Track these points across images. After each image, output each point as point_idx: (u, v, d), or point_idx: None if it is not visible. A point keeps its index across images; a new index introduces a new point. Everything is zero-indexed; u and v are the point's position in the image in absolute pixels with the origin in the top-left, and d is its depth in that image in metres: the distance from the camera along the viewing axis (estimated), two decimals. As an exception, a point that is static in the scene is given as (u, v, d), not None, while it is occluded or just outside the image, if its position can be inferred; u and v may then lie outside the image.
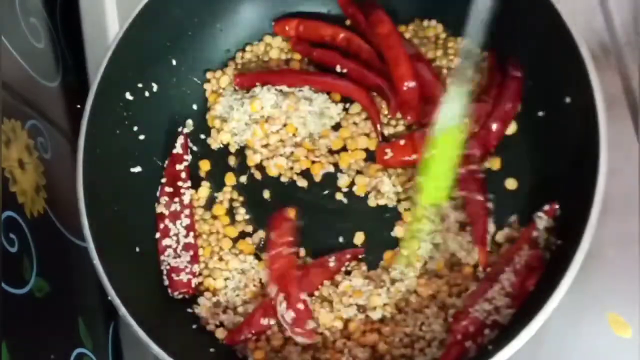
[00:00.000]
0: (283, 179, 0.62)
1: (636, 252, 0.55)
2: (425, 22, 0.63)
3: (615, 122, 0.49)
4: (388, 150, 0.58)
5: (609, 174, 0.46)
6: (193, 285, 0.58)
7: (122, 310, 0.51)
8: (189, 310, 0.58)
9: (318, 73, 0.64)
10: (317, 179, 0.61)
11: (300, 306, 0.54)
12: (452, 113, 0.52)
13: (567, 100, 0.52)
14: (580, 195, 0.47)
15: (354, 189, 0.60)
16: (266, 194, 0.62)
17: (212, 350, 0.55)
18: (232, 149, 0.64)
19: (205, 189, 0.63)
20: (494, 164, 0.57)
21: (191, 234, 0.60)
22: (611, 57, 0.60)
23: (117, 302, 0.51)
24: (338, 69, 0.62)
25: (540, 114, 0.55)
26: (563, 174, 0.52)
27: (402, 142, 0.58)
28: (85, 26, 0.74)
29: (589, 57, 0.49)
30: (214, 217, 0.62)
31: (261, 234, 0.60)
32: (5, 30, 0.57)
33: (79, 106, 0.59)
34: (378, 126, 0.60)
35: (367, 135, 0.61)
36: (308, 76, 0.63)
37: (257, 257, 0.60)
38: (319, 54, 0.64)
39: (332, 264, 0.56)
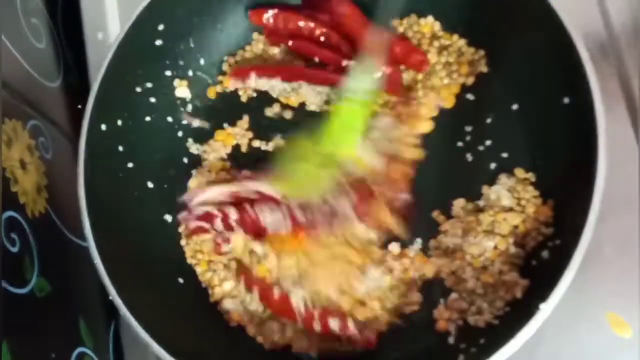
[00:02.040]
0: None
1: (636, 252, 0.55)
2: (422, 20, 0.63)
3: (615, 122, 0.49)
4: None
5: (608, 174, 0.46)
6: None
7: (123, 310, 0.51)
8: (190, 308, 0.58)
9: (314, 68, 0.63)
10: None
11: None
12: (360, 85, 0.54)
13: (567, 100, 0.52)
14: (579, 195, 0.47)
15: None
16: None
17: (212, 349, 0.55)
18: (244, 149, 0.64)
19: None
20: None
21: None
22: (610, 57, 0.60)
23: (118, 301, 0.51)
24: (316, 59, 0.63)
25: (540, 114, 0.55)
26: (563, 174, 0.52)
27: None
28: (87, 26, 0.74)
29: (588, 57, 0.49)
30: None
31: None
32: (6, 30, 0.58)
33: (80, 106, 0.59)
34: None
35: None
36: (304, 70, 0.63)
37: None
38: (295, 44, 0.64)
39: None
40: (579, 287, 0.45)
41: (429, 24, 0.63)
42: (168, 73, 0.64)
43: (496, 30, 0.58)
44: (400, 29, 0.63)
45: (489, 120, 0.59)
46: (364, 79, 0.56)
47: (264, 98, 0.65)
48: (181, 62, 0.65)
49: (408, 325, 0.55)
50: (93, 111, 0.57)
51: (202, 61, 0.66)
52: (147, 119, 0.62)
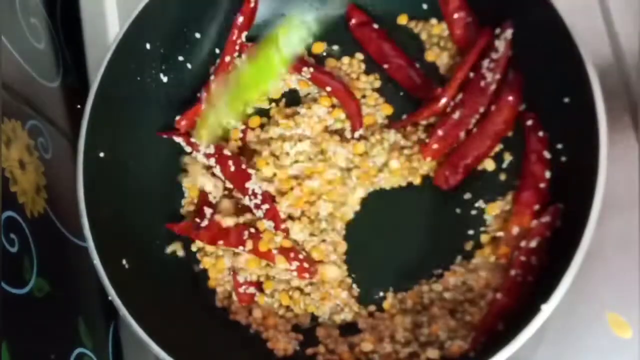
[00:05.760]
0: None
1: (636, 252, 0.55)
2: (433, 21, 0.63)
3: (615, 122, 0.49)
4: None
5: (608, 173, 0.46)
6: None
7: (123, 311, 0.51)
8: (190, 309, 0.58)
9: (318, 68, 0.63)
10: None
11: None
12: (291, 43, 0.54)
13: (567, 100, 0.52)
14: (580, 195, 0.47)
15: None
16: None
17: (212, 350, 0.55)
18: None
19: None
20: (488, 165, 0.58)
21: None
22: (611, 57, 0.60)
23: (118, 302, 0.51)
24: None
25: (540, 113, 0.55)
26: (563, 174, 0.52)
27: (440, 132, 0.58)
28: (86, 26, 0.74)
29: (589, 57, 0.49)
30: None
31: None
32: (5, 30, 0.57)
33: (79, 106, 0.59)
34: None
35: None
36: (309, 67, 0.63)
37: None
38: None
39: None
40: (579, 288, 0.45)
41: (442, 27, 0.62)
42: (166, 73, 0.64)
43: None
44: (416, 30, 0.64)
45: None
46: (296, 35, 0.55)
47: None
48: (181, 59, 0.64)
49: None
50: (92, 111, 0.57)
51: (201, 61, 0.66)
52: (146, 118, 0.62)
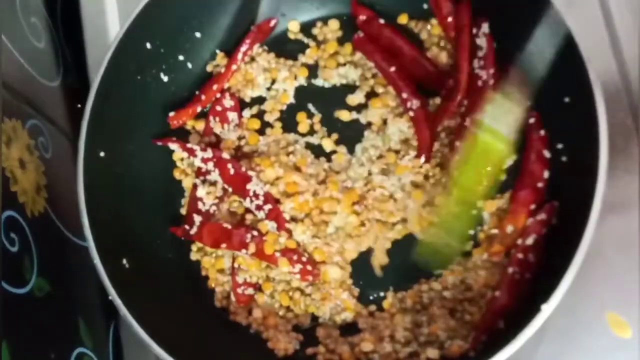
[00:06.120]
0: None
1: (636, 252, 0.55)
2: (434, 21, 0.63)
3: (616, 122, 0.49)
4: None
5: (608, 174, 0.46)
6: None
7: (123, 310, 0.51)
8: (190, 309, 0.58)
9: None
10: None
11: None
12: (501, 119, 0.51)
13: (567, 99, 0.52)
14: (580, 195, 0.47)
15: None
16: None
17: (212, 349, 0.55)
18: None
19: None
20: None
21: None
22: (612, 57, 0.60)
23: (118, 302, 0.51)
24: None
25: (540, 112, 0.55)
26: (563, 174, 0.52)
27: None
28: (86, 26, 0.74)
29: (590, 58, 0.49)
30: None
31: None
32: (6, 29, 0.57)
33: (79, 106, 0.59)
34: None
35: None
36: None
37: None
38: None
39: None
40: (579, 288, 0.45)
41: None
42: (167, 73, 0.64)
43: (499, 33, 0.58)
44: (416, 30, 0.64)
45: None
46: (506, 111, 0.52)
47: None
48: (181, 59, 0.64)
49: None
50: (93, 110, 0.56)
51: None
52: (147, 117, 0.62)
